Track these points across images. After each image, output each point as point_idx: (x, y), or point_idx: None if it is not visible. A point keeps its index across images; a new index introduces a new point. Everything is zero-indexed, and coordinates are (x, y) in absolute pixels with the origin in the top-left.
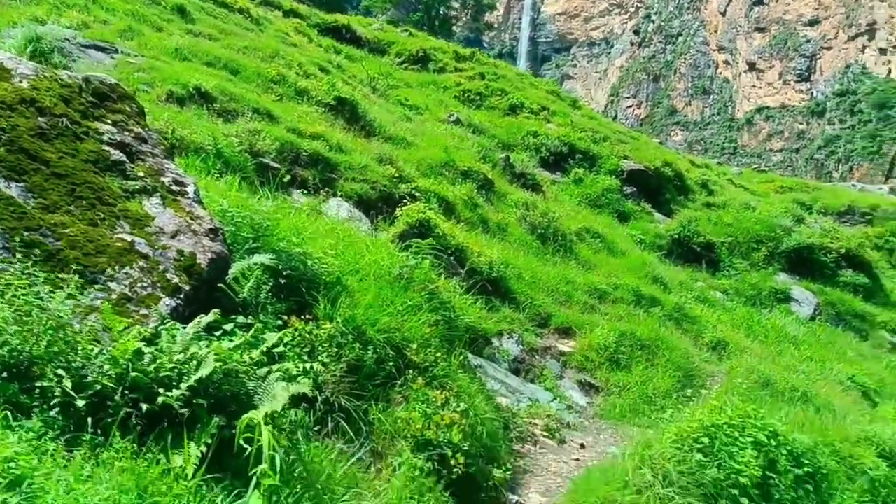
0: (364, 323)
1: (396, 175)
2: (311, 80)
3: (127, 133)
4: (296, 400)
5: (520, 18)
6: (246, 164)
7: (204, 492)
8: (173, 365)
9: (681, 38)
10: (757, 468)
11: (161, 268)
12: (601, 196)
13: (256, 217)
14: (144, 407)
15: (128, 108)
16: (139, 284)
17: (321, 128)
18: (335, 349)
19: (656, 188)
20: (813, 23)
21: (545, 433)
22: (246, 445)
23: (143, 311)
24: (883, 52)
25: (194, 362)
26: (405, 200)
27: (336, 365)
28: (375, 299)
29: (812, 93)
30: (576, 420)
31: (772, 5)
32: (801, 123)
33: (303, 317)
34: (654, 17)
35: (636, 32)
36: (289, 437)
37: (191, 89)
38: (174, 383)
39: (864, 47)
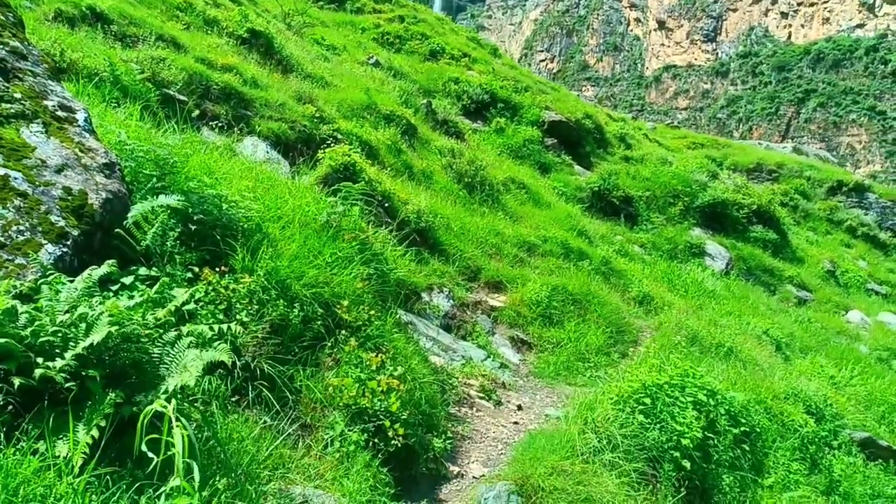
0: (289, 276)
1: (317, 115)
2: (221, 9)
3: (1, 47)
4: (211, 366)
5: None
6: (148, 94)
7: (96, 490)
8: (56, 328)
9: None
10: (698, 430)
11: (43, 208)
12: (522, 147)
13: (161, 152)
14: (17, 381)
15: (1, 17)
16: (14, 228)
17: (234, 59)
18: (256, 307)
19: (577, 140)
20: None
21: (481, 395)
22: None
23: (19, 261)
24: (784, 15)
25: (83, 325)
26: (327, 143)
27: (257, 325)
28: (301, 249)
29: (717, 53)
30: (510, 379)
31: None
32: (705, 83)
33: (217, 269)
34: None
35: None
36: (202, 412)
37: (83, 8)
38: (58, 351)
39: (768, 10)
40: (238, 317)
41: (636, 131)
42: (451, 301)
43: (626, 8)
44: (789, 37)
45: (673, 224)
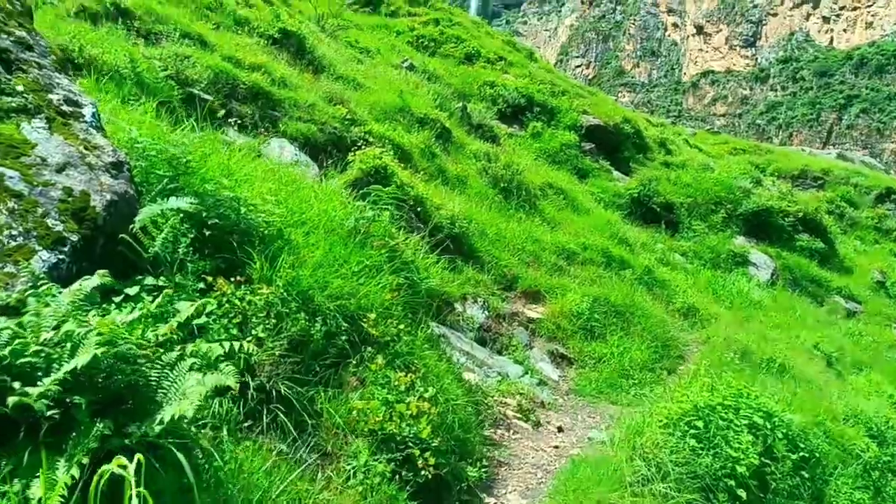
0: (311, 287)
1: (348, 117)
2: (252, 9)
3: (4, 36)
4: (221, 388)
5: None
6: (171, 92)
7: None
8: (39, 347)
9: None
10: (754, 455)
11: (40, 211)
12: (560, 152)
13: (175, 150)
14: None
15: (7, 5)
16: (6, 232)
17: (262, 59)
18: (274, 320)
19: (615, 145)
20: None
21: (519, 415)
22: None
23: (9, 269)
24: (826, 20)
25: (69, 344)
26: (358, 145)
27: (274, 341)
28: (326, 258)
29: (757, 59)
30: (550, 397)
31: None
32: (744, 89)
33: (233, 279)
34: None
35: None
36: (211, 439)
37: (108, 4)
38: (39, 374)
39: (809, 15)
40: (254, 332)
41: (676, 136)
42: (486, 312)
43: (663, 13)
44: (831, 42)
45: (715, 232)
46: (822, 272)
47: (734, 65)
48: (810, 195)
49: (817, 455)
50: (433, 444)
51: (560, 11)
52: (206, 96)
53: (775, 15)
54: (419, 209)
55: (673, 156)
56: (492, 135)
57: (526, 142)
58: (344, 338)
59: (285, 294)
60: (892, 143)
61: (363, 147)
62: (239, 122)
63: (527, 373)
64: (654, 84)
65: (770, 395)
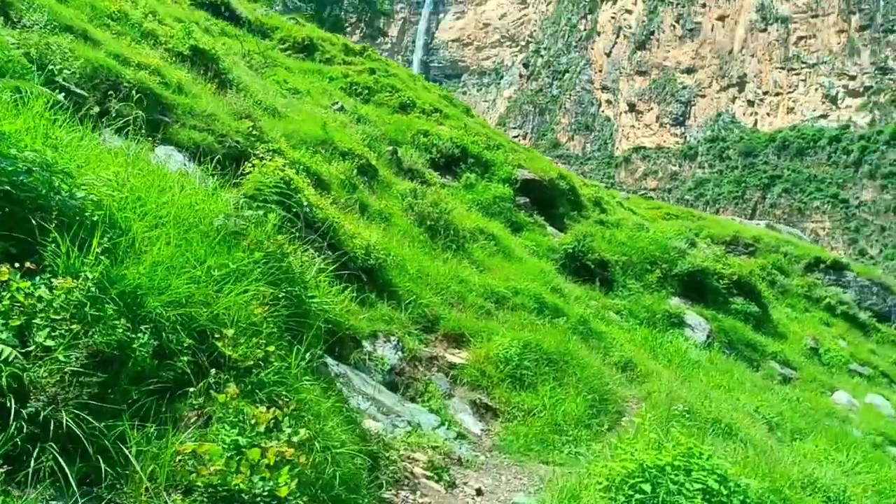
0: (142, 288)
1: (255, 133)
2: (163, 26)
3: None
4: None
5: (413, 41)
6: (25, 74)
7: None
8: None
9: (567, 75)
10: None
11: None
12: (493, 204)
13: None
14: None
15: None
16: None
17: (156, 61)
18: (76, 324)
19: (550, 201)
20: (690, 70)
21: (429, 473)
22: None
23: None
24: (751, 103)
25: None
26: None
27: (68, 352)
28: (174, 256)
29: (686, 137)
30: (469, 454)
31: (653, 51)
32: (674, 165)
33: (25, 266)
34: (542, 52)
35: (525, 66)
36: None
37: None
38: None
39: (735, 98)
40: (37, 337)
41: (611, 198)
42: (399, 353)
43: (598, 90)
44: (755, 124)
45: (650, 292)
46: (758, 336)
47: (664, 142)
48: (742, 261)
49: None
50: None
51: (499, 84)
52: (78, 90)
53: (703, 96)
54: (329, 235)
55: (608, 214)
56: (423, 181)
57: (459, 192)
58: (186, 358)
59: (97, 292)
60: (813, 222)
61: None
62: (118, 124)
63: (443, 424)
64: (588, 157)
65: (723, 457)
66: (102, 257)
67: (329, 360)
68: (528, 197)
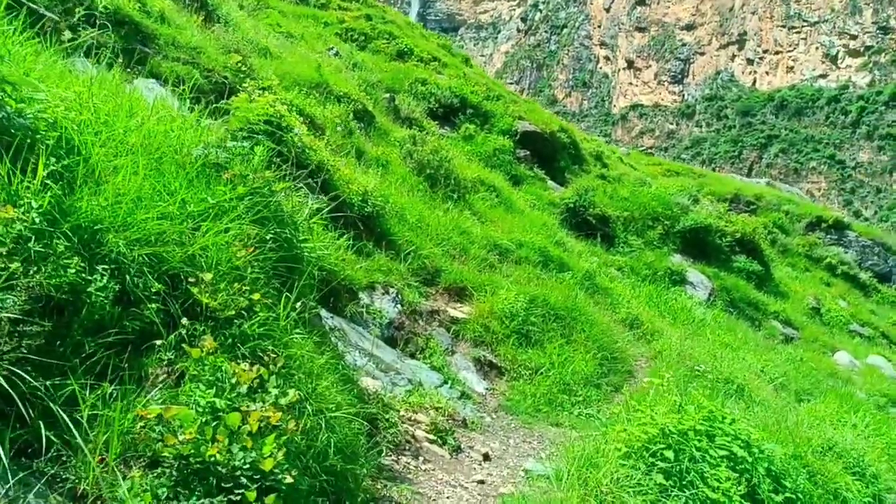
0: (105, 223)
1: (244, 69)
2: None
3: None
4: None
5: None
6: None
7: None
8: None
9: (566, 30)
10: (738, 499)
11: None
12: (493, 156)
13: None
14: None
15: None
16: None
17: None
18: (15, 262)
19: (551, 154)
20: (689, 27)
21: (432, 437)
22: None
23: None
24: (750, 62)
25: None
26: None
27: (4, 294)
28: (143, 187)
29: (684, 95)
30: (474, 415)
31: (653, 6)
32: (671, 123)
33: None
34: (541, 7)
35: (523, 20)
36: None
37: None
38: None
39: (734, 56)
40: None
41: (611, 153)
42: (398, 306)
43: (596, 46)
44: (754, 83)
45: (652, 248)
46: (760, 295)
47: (662, 100)
48: (745, 218)
49: (801, 497)
50: (284, 481)
51: (496, 38)
52: (50, 14)
53: (703, 54)
54: (323, 178)
55: (609, 169)
56: (421, 130)
57: (458, 144)
58: (154, 306)
59: (45, 225)
60: (809, 182)
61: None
62: (94, 52)
63: (446, 382)
64: (585, 114)
65: (744, 420)
66: (52, 184)
67: (323, 312)
68: (529, 150)
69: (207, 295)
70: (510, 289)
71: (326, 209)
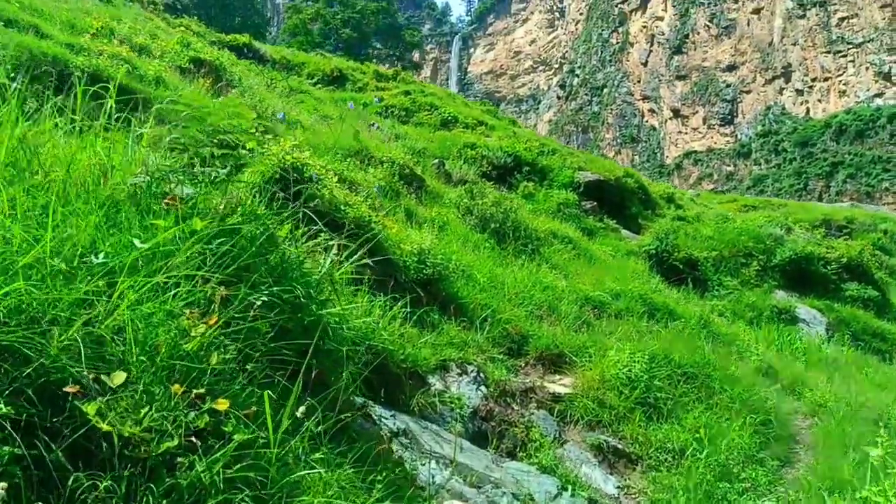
0: None
1: (261, 129)
2: (156, 40)
3: None
4: None
5: (447, 79)
6: None
7: None
8: None
9: (605, 90)
10: None
11: None
12: (557, 212)
13: None
14: None
15: None
16: None
17: (126, 51)
18: None
19: (619, 202)
20: (731, 68)
21: None
22: None
23: None
24: (800, 92)
25: None
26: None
27: None
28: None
29: (736, 135)
30: None
31: (690, 54)
32: (728, 165)
33: None
34: (577, 72)
35: (562, 87)
36: None
37: None
38: None
39: (782, 89)
40: None
41: (682, 195)
42: (482, 388)
43: (638, 101)
44: (807, 112)
45: (750, 287)
46: (884, 324)
47: (715, 143)
48: (846, 242)
49: None
50: None
51: (538, 109)
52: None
53: (749, 92)
54: (364, 237)
55: (684, 210)
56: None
57: (518, 204)
58: (8, 450)
59: None
60: (885, 204)
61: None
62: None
63: (564, 489)
64: (638, 169)
65: None
66: None
67: (378, 410)
68: (595, 200)
69: (120, 416)
70: (621, 348)
71: (363, 263)
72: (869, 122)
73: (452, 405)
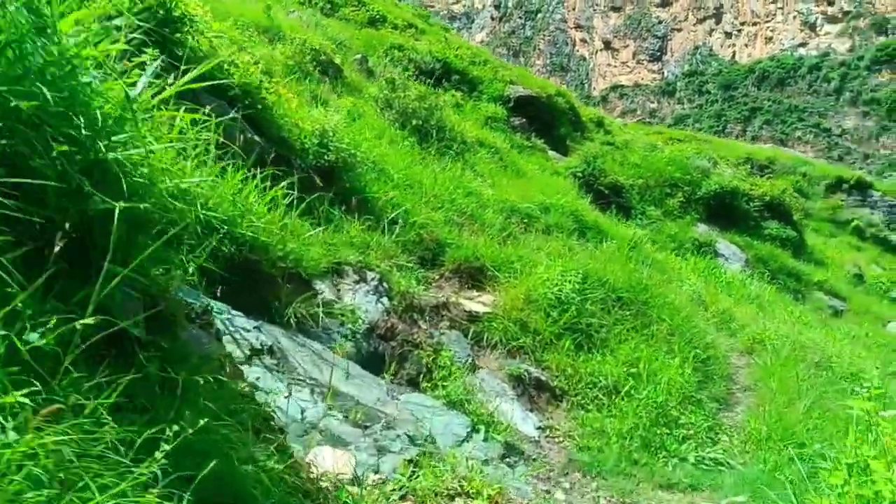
0: None
1: None
2: None
3: None
4: None
5: None
6: None
7: None
8: None
9: (539, 15)
10: None
11: None
12: (485, 126)
13: None
14: None
15: None
16: None
17: None
18: None
19: (549, 121)
20: (664, 4)
21: None
22: None
23: None
24: (728, 35)
25: None
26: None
27: None
28: None
29: (663, 72)
30: (535, 491)
31: None
32: (652, 102)
33: None
34: None
35: (496, 7)
36: None
37: None
38: None
39: (712, 30)
40: None
41: (611, 121)
42: (382, 300)
43: (571, 29)
44: (734, 56)
45: (673, 218)
46: (799, 265)
47: (642, 79)
48: (770, 181)
49: None
50: None
51: (471, 28)
52: None
53: (680, 30)
54: (252, 107)
55: (613, 136)
56: None
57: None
58: None
59: None
60: (797, 152)
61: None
62: None
63: (475, 430)
64: None
65: None
66: None
67: (233, 318)
68: (525, 117)
69: None
70: (551, 265)
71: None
72: (791, 70)
73: (344, 318)
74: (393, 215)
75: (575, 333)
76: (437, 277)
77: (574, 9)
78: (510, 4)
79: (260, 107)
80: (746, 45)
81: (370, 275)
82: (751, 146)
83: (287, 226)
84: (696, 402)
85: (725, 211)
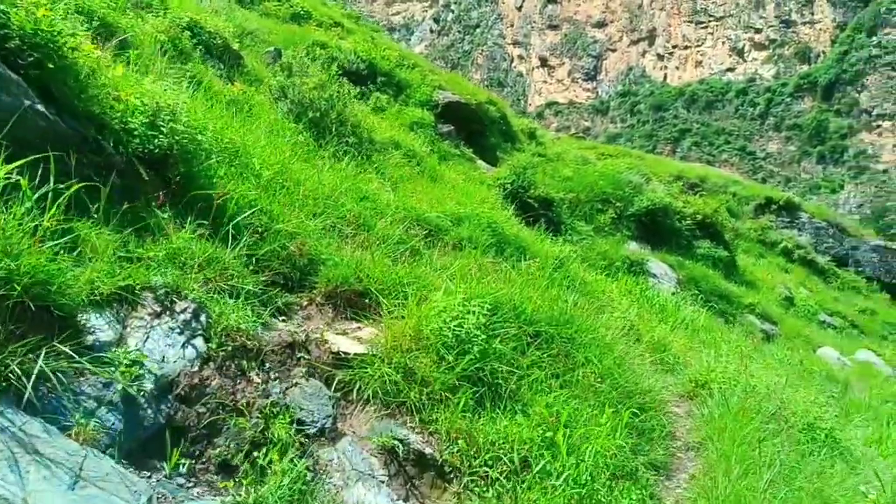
0: None
1: None
2: None
3: None
4: None
5: None
6: None
7: None
8: None
9: (478, 30)
10: None
11: None
12: (409, 132)
13: None
14: None
15: None
16: None
17: None
18: None
19: (479, 130)
20: (601, 25)
21: None
22: None
23: None
24: (661, 57)
25: None
26: None
27: None
28: None
29: (598, 91)
30: None
31: (564, 4)
32: (586, 120)
33: None
34: (453, 7)
35: (436, 20)
36: None
37: None
38: None
39: (645, 52)
40: None
41: (544, 133)
42: (194, 342)
43: (509, 45)
44: (665, 78)
45: (603, 235)
46: (730, 286)
47: (577, 97)
48: (703, 199)
49: None
50: None
51: (409, 40)
52: None
53: (614, 51)
54: (49, 73)
55: (545, 148)
56: None
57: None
58: None
59: None
60: (726, 172)
61: None
62: None
63: None
64: None
65: None
66: None
67: None
68: (453, 124)
69: None
70: (452, 291)
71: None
72: (719, 94)
73: (120, 371)
74: (240, 219)
75: (476, 385)
76: (304, 304)
77: (512, 25)
78: (449, 18)
79: (56, 68)
80: (678, 68)
81: (181, 305)
82: (682, 164)
83: (44, 229)
84: (630, 475)
85: (657, 228)
